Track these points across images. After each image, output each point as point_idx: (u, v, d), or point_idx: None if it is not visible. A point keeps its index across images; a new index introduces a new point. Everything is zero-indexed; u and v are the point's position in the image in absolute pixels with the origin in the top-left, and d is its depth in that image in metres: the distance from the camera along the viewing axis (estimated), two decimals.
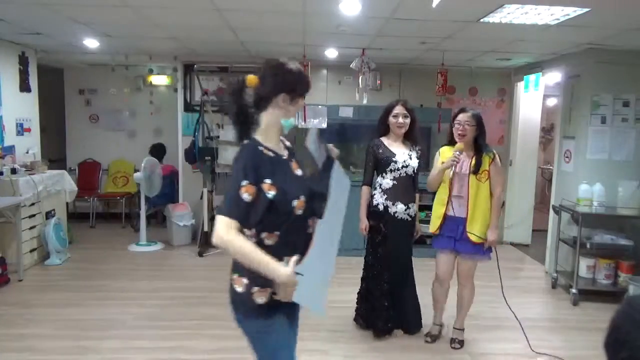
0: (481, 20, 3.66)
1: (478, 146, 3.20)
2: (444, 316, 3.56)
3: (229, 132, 5.93)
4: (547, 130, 7.85)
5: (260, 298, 1.77)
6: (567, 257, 4.79)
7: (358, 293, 3.69)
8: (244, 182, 1.64)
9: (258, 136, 1.79)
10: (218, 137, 5.92)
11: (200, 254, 5.54)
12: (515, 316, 3.45)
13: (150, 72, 7.20)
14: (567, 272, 4.70)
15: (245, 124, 1.80)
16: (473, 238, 3.18)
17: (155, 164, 5.91)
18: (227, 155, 5.90)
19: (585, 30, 3.90)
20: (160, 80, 7.24)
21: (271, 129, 1.80)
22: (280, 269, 1.62)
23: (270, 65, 1.79)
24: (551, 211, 5.12)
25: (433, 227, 3.32)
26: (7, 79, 5.19)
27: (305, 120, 5.59)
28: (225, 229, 1.61)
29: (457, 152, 3.13)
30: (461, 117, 3.19)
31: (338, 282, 4.68)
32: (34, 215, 4.94)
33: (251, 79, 1.77)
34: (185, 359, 3.17)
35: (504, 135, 6.49)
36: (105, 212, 7.25)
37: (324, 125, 5.64)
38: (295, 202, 1.71)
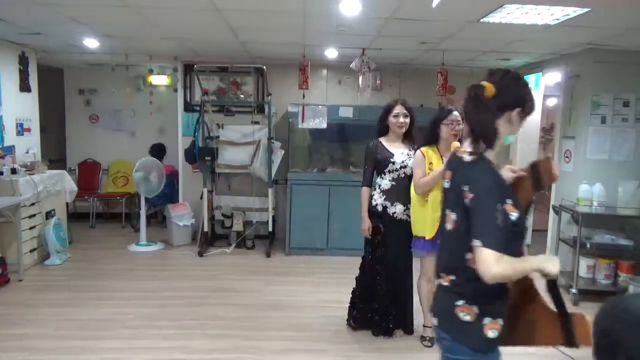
0: (481, 20, 3.66)
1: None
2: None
3: (229, 132, 5.94)
4: (547, 130, 7.84)
5: (492, 331, 1.59)
6: (567, 257, 4.79)
7: (352, 293, 3.68)
8: (509, 201, 1.53)
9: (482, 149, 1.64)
10: (218, 137, 5.92)
11: (200, 254, 5.54)
12: None
13: (150, 72, 7.19)
14: (567, 272, 4.70)
15: (486, 138, 1.62)
16: None
17: (153, 164, 5.88)
18: (227, 155, 5.91)
19: (585, 30, 3.90)
20: (160, 80, 7.24)
21: (498, 142, 1.66)
22: (549, 260, 1.55)
23: (514, 77, 1.67)
24: (551, 211, 5.12)
25: (430, 232, 3.20)
26: (7, 79, 5.19)
27: (303, 121, 5.59)
28: (495, 265, 1.47)
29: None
30: (453, 117, 3.19)
31: (337, 282, 4.69)
32: (34, 215, 4.94)
33: (490, 88, 1.61)
34: (185, 359, 3.17)
35: None
36: (105, 212, 7.25)
37: (324, 125, 5.64)
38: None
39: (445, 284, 1.69)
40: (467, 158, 1.64)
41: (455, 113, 3.20)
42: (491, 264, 1.46)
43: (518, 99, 1.63)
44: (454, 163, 1.71)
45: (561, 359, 3.23)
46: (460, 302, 1.61)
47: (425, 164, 3.20)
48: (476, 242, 1.51)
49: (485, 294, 1.57)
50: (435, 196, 3.18)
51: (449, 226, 1.68)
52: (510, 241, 1.54)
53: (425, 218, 3.23)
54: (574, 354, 3.29)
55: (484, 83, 1.61)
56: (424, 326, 3.51)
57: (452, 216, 1.66)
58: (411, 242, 3.54)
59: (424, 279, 3.43)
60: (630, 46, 4.42)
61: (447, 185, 1.73)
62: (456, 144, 3.11)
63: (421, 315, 3.61)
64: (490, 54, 5.26)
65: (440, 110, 3.34)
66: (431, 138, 3.26)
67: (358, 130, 6.08)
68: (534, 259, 1.56)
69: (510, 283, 1.60)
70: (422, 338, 3.49)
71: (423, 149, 3.25)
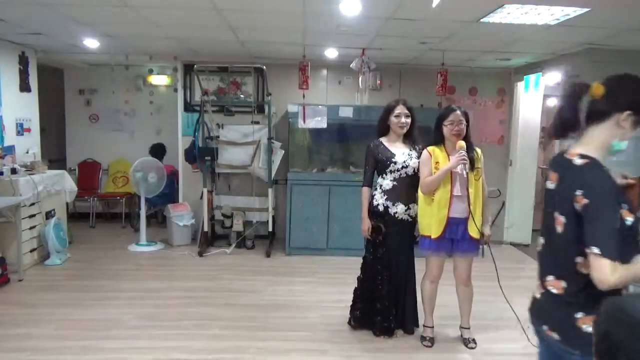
0: (481, 20, 3.66)
1: (468, 143, 3.20)
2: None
3: (229, 132, 5.94)
4: (547, 130, 7.85)
5: None
6: None
7: (354, 293, 3.68)
8: (625, 206, 1.49)
9: (591, 153, 1.58)
10: (218, 137, 5.92)
11: (200, 254, 5.54)
12: (517, 316, 3.45)
13: (150, 72, 7.20)
14: None
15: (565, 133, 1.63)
16: (475, 234, 3.20)
17: (152, 164, 5.87)
18: (227, 155, 5.91)
19: (585, 30, 3.90)
20: (160, 80, 7.24)
21: (604, 146, 1.60)
22: None
23: (629, 79, 1.62)
24: None
25: (437, 230, 3.20)
26: (7, 79, 5.20)
27: (304, 121, 5.59)
28: (612, 274, 1.43)
29: (463, 152, 3.08)
30: (454, 116, 3.19)
31: (338, 282, 4.69)
32: (34, 215, 4.94)
33: (597, 88, 1.60)
34: (185, 359, 3.17)
35: (503, 135, 6.49)
36: (105, 212, 7.25)
37: (324, 125, 5.64)
38: None
39: (557, 292, 1.62)
40: (578, 161, 1.57)
41: (457, 113, 3.19)
42: (608, 272, 1.43)
43: (630, 101, 1.57)
44: (560, 165, 1.66)
45: None
46: (580, 315, 1.55)
47: (432, 164, 3.20)
48: (593, 250, 1.47)
49: (600, 301, 1.55)
50: (441, 195, 3.19)
51: (559, 229, 1.62)
52: (624, 246, 1.49)
53: (431, 217, 3.23)
54: None
55: (593, 83, 1.60)
56: (424, 326, 3.52)
57: (561, 219, 1.61)
58: (413, 242, 3.55)
59: (428, 279, 3.43)
60: (630, 46, 4.42)
61: (551, 186, 1.68)
62: (461, 143, 3.12)
63: (422, 315, 3.61)
64: (490, 54, 5.27)
65: (443, 109, 3.34)
66: (437, 137, 3.27)
67: (358, 130, 6.08)
68: None
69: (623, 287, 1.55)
70: (422, 338, 3.48)
71: (430, 148, 3.26)
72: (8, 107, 5.17)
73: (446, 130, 3.21)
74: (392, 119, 3.42)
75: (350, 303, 3.69)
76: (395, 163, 3.39)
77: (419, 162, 3.44)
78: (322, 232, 5.64)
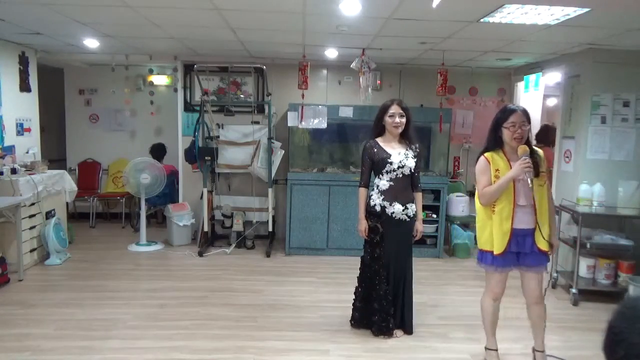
0: (481, 20, 3.66)
1: (531, 147, 2.85)
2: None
3: (229, 132, 5.94)
4: None
5: None
6: (567, 257, 4.80)
7: (354, 294, 3.68)
8: None
9: None
10: (218, 137, 5.93)
11: (200, 254, 5.54)
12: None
13: (150, 72, 7.21)
14: (567, 272, 4.71)
15: None
16: (543, 246, 2.84)
17: (146, 165, 5.84)
18: (227, 155, 5.91)
19: (585, 30, 3.90)
20: (160, 80, 7.24)
21: None
22: None
23: None
24: None
25: (500, 246, 2.84)
26: (7, 79, 5.20)
27: (303, 120, 5.59)
28: None
29: (526, 157, 2.73)
30: (516, 118, 2.77)
31: (337, 282, 4.69)
32: (34, 215, 4.94)
33: None
34: (185, 359, 3.17)
35: None
36: (105, 212, 7.26)
37: (324, 126, 5.64)
38: None
39: None
40: None
41: (519, 113, 2.80)
42: None
43: None
44: None
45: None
46: None
47: (491, 171, 2.84)
48: None
49: None
50: (504, 206, 2.83)
51: None
52: None
53: (491, 231, 2.88)
54: (563, 355, 3.30)
55: None
56: (487, 348, 3.16)
57: None
58: (410, 242, 3.54)
59: (489, 296, 3.05)
60: (630, 46, 4.42)
61: None
62: (524, 147, 2.77)
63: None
64: (490, 54, 5.27)
65: (501, 110, 2.91)
66: (495, 142, 2.88)
67: (358, 130, 6.09)
68: None
69: None
70: None
71: (487, 154, 2.88)
72: (8, 107, 5.17)
73: (507, 133, 2.80)
74: (387, 119, 3.41)
75: (351, 303, 3.70)
76: (391, 163, 3.38)
77: (416, 162, 3.44)
78: (322, 232, 5.64)
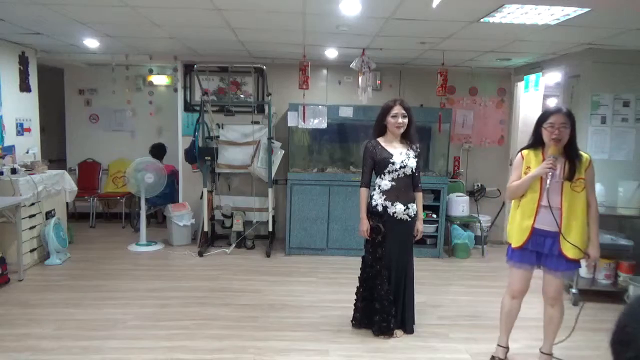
0: (481, 20, 3.66)
1: (571, 150, 2.81)
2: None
3: (229, 132, 5.94)
4: None
5: None
6: None
7: (356, 294, 3.68)
8: None
9: None
10: (218, 137, 5.93)
11: (200, 254, 5.54)
12: None
13: (150, 72, 7.21)
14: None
15: None
16: (571, 253, 2.79)
17: (149, 165, 5.86)
18: (227, 155, 5.91)
19: (585, 30, 3.90)
20: (160, 80, 7.24)
21: None
22: None
23: None
24: None
25: (518, 240, 2.90)
26: (7, 79, 5.20)
27: (304, 121, 5.59)
28: None
29: (552, 158, 2.75)
30: (555, 119, 2.77)
31: (338, 282, 4.69)
32: (34, 215, 4.94)
33: None
34: (185, 359, 3.17)
35: (504, 135, 6.49)
36: (105, 212, 7.26)
37: (324, 125, 5.64)
38: None
39: None
40: None
41: (560, 114, 2.78)
42: None
43: None
44: None
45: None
46: None
47: (523, 167, 2.90)
48: None
49: None
50: (527, 203, 2.88)
51: None
52: None
53: (513, 224, 2.96)
54: (564, 355, 3.30)
55: None
56: (498, 345, 3.21)
57: None
58: (412, 241, 3.55)
59: (508, 293, 3.10)
60: (630, 46, 4.42)
61: None
62: (554, 148, 2.78)
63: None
64: (490, 54, 5.27)
65: (545, 109, 2.95)
66: (535, 140, 2.91)
67: (358, 130, 6.09)
68: None
69: None
70: (492, 358, 3.20)
71: (525, 151, 2.96)
72: (8, 107, 5.17)
73: (545, 133, 2.82)
74: (389, 119, 3.40)
75: (352, 303, 3.70)
76: (393, 163, 3.38)
77: (417, 162, 3.44)
78: (322, 232, 5.64)
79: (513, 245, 2.94)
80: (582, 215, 2.81)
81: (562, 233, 2.79)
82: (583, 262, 3.05)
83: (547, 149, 2.83)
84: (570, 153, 2.80)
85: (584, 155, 2.85)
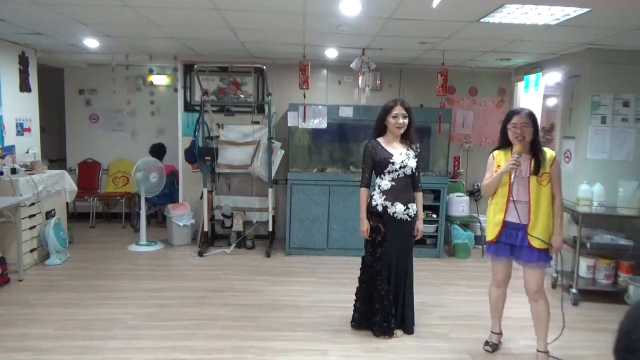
0: (481, 20, 3.66)
1: (535, 147, 3.01)
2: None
3: (229, 132, 5.94)
4: (547, 130, 7.83)
5: None
6: (567, 257, 4.79)
7: (355, 294, 3.68)
8: None
9: None
10: (218, 137, 5.93)
11: (200, 254, 5.54)
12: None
13: (150, 72, 7.21)
14: (567, 272, 4.70)
15: None
16: (536, 243, 2.98)
17: (153, 164, 5.87)
18: (227, 155, 5.91)
19: (585, 30, 3.90)
20: (160, 80, 7.25)
21: None
22: None
23: None
24: None
25: (491, 234, 3.13)
26: (7, 79, 5.20)
27: (304, 121, 5.59)
28: None
29: (516, 155, 2.95)
30: (517, 119, 2.99)
31: (338, 282, 4.69)
32: (34, 215, 4.94)
33: None
34: (185, 359, 3.17)
35: None
36: (105, 212, 7.26)
37: (324, 125, 5.64)
38: None
39: None
40: None
41: (521, 115, 3.01)
42: None
43: None
44: None
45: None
46: None
47: (494, 167, 3.12)
48: None
49: None
50: (498, 199, 3.10)
51: None
52: None
53: (488, 219, 3.19)
54: (564, 354, 3.30)
55: None
56: (491, 332, 3.41)
57: None
58: (412, 242, 3.55)
59: (492, 284, 3.33)
60: (630, 46, 4.42)
61: None
62: (518, 146, 2.99)
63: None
64: (490, 54, 5.27)
65: (509, 111, 3.18)
66: (502, 141, 3.13)
67: (358, 130, 6.09)
68: None
69: None
70: (485, 342, 3.40)
71: (495, 152, 3.17)
72: (8, 107, 5.17)
73: (510, 133, 3.03)
74: (390, 119, 3.40)
75: (351, 303, 3.69)
76: (393, 163, 3.38)
77: (417, 162, 3.45)
78: (322, 232, 5.64)
79: (488, 239, 3.18)
80: (547, 207, 3.01)
81: (529, 225, 2.99)
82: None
83: (514, 147, 3.04)
84: (534, 150, 3.01)
85: (549, 152, 3.06)
